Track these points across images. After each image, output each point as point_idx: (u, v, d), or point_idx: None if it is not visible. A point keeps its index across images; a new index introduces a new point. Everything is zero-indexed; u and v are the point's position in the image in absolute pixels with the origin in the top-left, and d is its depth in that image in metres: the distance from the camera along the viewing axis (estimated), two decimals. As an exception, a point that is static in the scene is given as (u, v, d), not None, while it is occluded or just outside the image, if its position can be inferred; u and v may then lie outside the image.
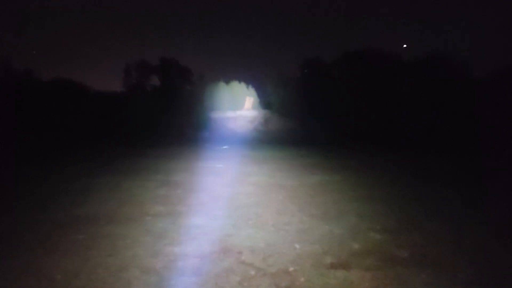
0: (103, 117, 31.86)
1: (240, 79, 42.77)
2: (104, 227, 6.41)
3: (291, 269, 4.72)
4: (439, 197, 9.20)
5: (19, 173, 12.98)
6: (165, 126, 31.54)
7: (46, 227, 6.42)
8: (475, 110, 27.73)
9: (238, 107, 40.49)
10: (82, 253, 5.22)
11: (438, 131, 26.84)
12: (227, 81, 42.23)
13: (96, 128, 29.82)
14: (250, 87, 43.17)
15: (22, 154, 19.36)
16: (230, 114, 37.27)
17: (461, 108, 28.34)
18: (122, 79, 40.19)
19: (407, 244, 5.62)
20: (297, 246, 5.54)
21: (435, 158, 17.83)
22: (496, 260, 5.07)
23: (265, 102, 41.65)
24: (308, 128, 31.73)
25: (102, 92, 38.27)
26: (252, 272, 4.63)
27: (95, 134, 28.40)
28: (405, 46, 40.00)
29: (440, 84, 30.48)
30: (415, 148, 22.03)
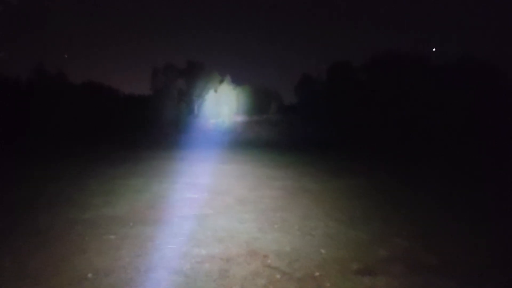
0: (131, 119, 32.50)
1: (266, 82, 42.97)
2: (133, 228, 6.56)
3: (317, 274, 4.72)
4: (468, 203, 8.99)
5: (51, 173, 13.37)
6: (191, 128, 31.96)
7: (78, 227, 6.62)
8: (508, 114, 26.97)
9: (263, 110, 40.57)
10: (113, 253, 5.37)
11: (468, 137, 26.21)
12: (253, 85, 42.42)
13: (125, 131, 30.43)
14: (276, 90, 43.25)
15: (52, 155, 19.94)
16: (255, 117, 37.38)
17: (493, 113, 27.60)
18: (150, 82, 40.92)
19: (435, 251, 5.54)
20: (323, 251, 5.54)
21: (466, 163, 17.43)
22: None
23: (291, 106, 41.61)
24: (334, 132, 31.50)
25: (131, 95, 39.09)
26: (278, 276, 4.65)
27: (124, 136, 28.99)
28: (434, 49, 39.06)
29: (471, 89, 29.75)
30: (446, 153, 21.58)
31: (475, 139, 25.13)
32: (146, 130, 30.94)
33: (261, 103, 40.61)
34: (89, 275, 4.64)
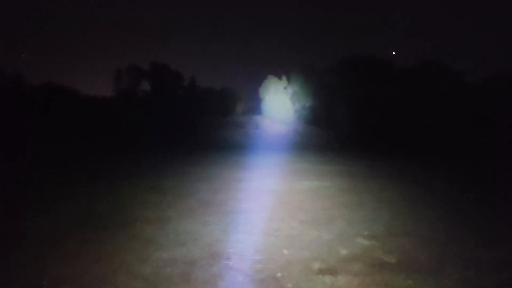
0: (93, 122, 31.66)
1: (231, 84, 43.00)
2: (93, 233, 6.38)
3: (279, 275, 4.73)
4: (429, 203, 9.27)
5: (3, 178, 12.85)
6: (156, 131, 31.45)
7: (34, 233, 6.37)
8: (468, 115, 28.15)
9: (229, 112, 40.52)
10: (70, 259, 5.19)
11: (432, 137, 27.12)
12: (218, 86, 42.35)
13: (86, 134, 29.62)
14: (241, 92, 43.32)
15: (10, 160, 19.17)
16: (221, 119, 37.28)
17: (453, 113, 28.72)
18: (113, 83, 40.03)
19: (395, 250, 5.67)
20: (285, 252, 5.56)
21: (428, 163, 17.99)
22: (484, 266, 5.14)
23: (256, 108, 41.78)
24: (300, 133, 31.86)
25: (93, 97, 38.07)
26: (240, 278, 4.64)
27: (85, 139, 28.22)
28: (394, 53, 40.30)
29: (433, 90, 30.83)
30: (408, 154, 22.20)
31: (441, 138, 26.07)
32: (108, 132, 30.21)
33: (226, 104, 40.56)
34: (44, 282, 4.48)
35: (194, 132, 33.21)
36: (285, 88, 38.77)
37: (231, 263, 5.12)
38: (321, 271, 4.85)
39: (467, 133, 26.34)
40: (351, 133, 29.69)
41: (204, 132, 33.76)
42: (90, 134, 29.32)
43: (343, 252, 5.57)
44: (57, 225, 6.89)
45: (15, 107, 28.67)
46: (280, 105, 37.77)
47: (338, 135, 29.90)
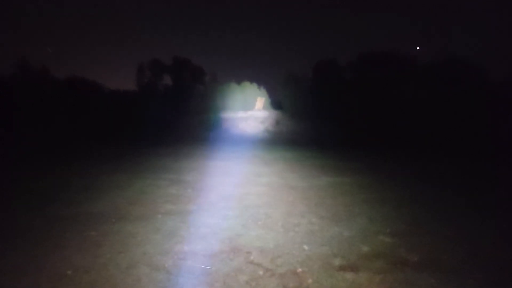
0: (116, 115, 32.15)
1: (251, 79, 42.91)
2: (115, 225, 6.48)
3: (299, 270, 4.72)
4: (451, 202, 9.09)
5: (31, 169, 13.15)
6: (176, 125, 31.75)
7: (58, 223, 6.52)
8: (491, 113, 27.45)
9: (249, 107, 40.53)
10: (93, 250, 5.29)
11: (452, 135, 26.56)
12: (239, 81, 42.34)
13: (109, 127, 30.09)
14: (261, 87, 43.24)
15: (36, 150, 19.62)
16: (241, 114, 37.31)
17: (477, 112, 28.04)
18: (135, 78, 40.54)
19: (417, 248, 5.58)
20: (306, 247, 5.54)
21: (448, 162, 17.64)
22: (508, 266, 5.01)
23: (276, 103, 41.63)
24: (320, 129, 31.63)
25: (116, 91, 38.65)
26: (261, 272, 4.64)
27: (108, 132, 28.68)
28: (418, 48, 39.60)
29: (456, 88, 30.14)
30: (428, 152, 21.81)
31: (465, 136, 25.50)
32: (130, 126, 30.63)
33: (246, 99, 40.55)
34: (69, 272, 4.57)
35: (214, 127, 33.36)
36: (304, 84, 38.52)
37: (252, 257, 5.13)
38: (342, 268, 4.81)
39: (492, 131, 25.71)
40: (371, 131, 29.28)
41: (224, 127, 33.86)
42: (111, 127, 29.78)
43: (365, 249, 5.51)
44: (80, 215, 7.02)
45: (41, 100, 29.31)
46: (299, 102, 37.52)
47: (358, 133, 29.52)
